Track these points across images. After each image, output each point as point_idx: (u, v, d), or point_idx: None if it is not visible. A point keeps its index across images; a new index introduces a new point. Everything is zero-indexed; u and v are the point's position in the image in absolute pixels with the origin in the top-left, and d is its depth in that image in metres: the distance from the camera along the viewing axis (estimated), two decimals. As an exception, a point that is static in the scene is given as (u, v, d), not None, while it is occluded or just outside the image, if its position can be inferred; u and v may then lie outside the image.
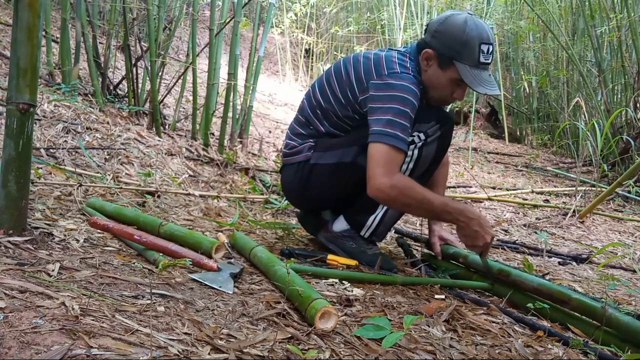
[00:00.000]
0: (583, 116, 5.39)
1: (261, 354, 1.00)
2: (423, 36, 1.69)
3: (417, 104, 1.59)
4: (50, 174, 2.09)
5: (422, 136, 1.66)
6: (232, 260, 1.56)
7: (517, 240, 2.64)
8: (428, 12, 7.07)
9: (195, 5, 3.34)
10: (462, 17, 1.59)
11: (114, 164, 2.45)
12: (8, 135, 1.36)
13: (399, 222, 2.65)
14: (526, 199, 3.76)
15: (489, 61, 1.58)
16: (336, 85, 1.71)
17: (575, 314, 1.47)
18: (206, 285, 1.34)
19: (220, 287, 1.33)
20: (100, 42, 3.75)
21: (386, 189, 1.53)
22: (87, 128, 2.71)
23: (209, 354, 0.97)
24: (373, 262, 1.75)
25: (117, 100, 3.38)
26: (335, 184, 1.73)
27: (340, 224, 1.82)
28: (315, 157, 1.74)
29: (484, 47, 1.56)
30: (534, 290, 1.53)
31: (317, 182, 1.75)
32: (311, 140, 1.78)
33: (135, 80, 3.29)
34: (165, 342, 0.97)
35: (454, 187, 3.98)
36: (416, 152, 1.67)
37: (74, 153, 2.40)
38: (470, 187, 4.03)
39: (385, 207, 1.75)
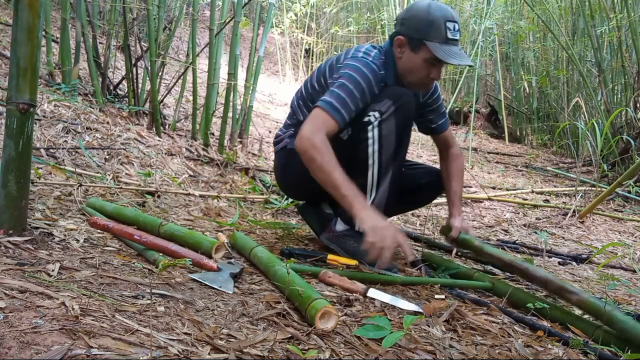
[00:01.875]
0: (583, 116, 5.40)
1: (261, 354, 1.00)
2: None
3: (366, 85, 1.64)
4: (50, 174, 2.09)
5: (376, 114, 1.67)
6: (232, 260, 1.56)
7: (517, 240, 2.64)
8: (428, 12, 7.06)
9: (195, 5, 3.34)
10: (424, 2, 1.68)
11: (114, 164, 2.45)
12: (8, 135, 1.36)
13: (399, 222, 2.66)
14: (526, 199, 3.76)
15: (457, 37, 1.66)
16: (315, 75, 1.83)
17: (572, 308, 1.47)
18: (206, 285, 1.34)
19: (220, 287, 1.33)
20: (100, 42, 3.75)
21: (303, 140, 1.56)
22: (87, 128, 2.71)
23: (209, 354, 0.97)
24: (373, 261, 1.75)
25: (117, 100, 3.38)
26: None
27: (341, 224, 1.83)
28: (291, 143, 1.81)
29: (450, 25, 1.64)
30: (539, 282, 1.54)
31: (293, 167, 1.80)
32: (292, 129, 1.88)
33: (135, 80, 3.29)
34: (165, 342, 0.97)
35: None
36: (376, 131, 1.68)
37: (74, 153, 2.40)
38: (470, 187, 4.03)
39: (372, 197, 1.74)
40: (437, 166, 2.06)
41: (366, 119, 1.68)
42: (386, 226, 1.50)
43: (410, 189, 1.95)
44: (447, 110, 6.65)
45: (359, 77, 1.64)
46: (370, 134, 1.69)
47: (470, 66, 1.73)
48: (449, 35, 1.64)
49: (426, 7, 1.66)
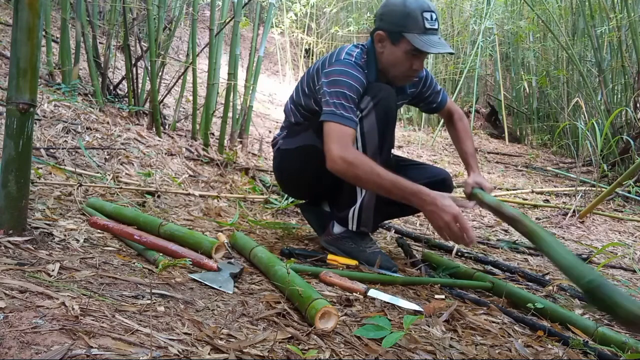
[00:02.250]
0: (583, 116, 5.40)
1: (261, 354, 1.00)
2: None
3: (357, 84, 1.68)
4: (50, 174, 2.09)
5: (357, 113, 1.71)
6: (232, 260, 1.56)
7: (517, 240, 2.64)
8: (428, 12, 7.06)
9: (195, 5, 3.33)
10: None
11: (114, 164, 2.45)
12: (8, 135, 1.36)
13: (399, 222, 2.66)
14: (526, 199, 3.76)
15: (435, 27, 1.68)
16: (305, 80, 1.86)
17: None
18: (206, 285, 1.34)
19: (220, 287, 1.33)
20: (100, 42, 3.75)
21: (339, 161, 1.58)
22: (87, 128, 2.71)
23: (209, 354, 0.97)
24: (372, 260, 1.76)
25: (117, 100, 3.38)
26: (301, 167, 1.86)
27: (338, 227, 1.85)
28: (283, 144, 1.92)
29: (427, 15, 1.66)
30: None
31: (287, 166, 1.91)
32: (285, 131, 1.96)
33: (135, 80, 3.29)
34: (165, 342, 0.97)
35: (454, 187, 3.98)
36: (357, 128, 1.71)
37: (74, 153, 2.40)
38: (470, 187, 4.02)
39: (362, 196, 1.76)
40: (438, 165, 2.07)
41: None
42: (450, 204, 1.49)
43: None
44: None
45: (350, 80, 1.67)
46: (362, 133, 1.72)
47: (451, 54, 1.75)
48: (427, 25, 1.65)
49: (402, 1, 1.68)
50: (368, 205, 1.76)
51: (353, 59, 1.72)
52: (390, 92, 1.73)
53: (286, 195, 2.57)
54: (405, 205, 1.67)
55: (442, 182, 1.93)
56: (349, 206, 1.79)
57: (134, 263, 1.40)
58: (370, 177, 1.55)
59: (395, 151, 5.83)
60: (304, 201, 2.14)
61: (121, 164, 2.50)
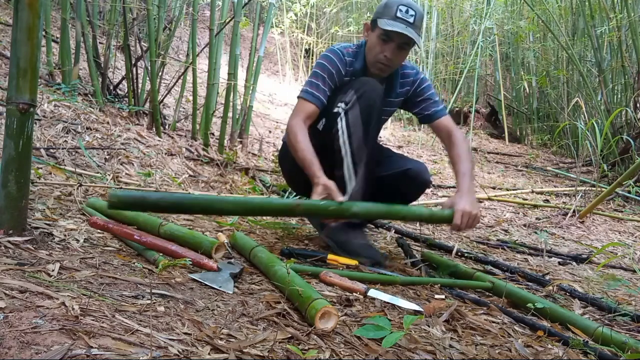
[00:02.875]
0: (583, 116, 5.40)
1: (261, 354, 1.00)
2: None
3: (331, 65, 1.84)
4: (50, 174, 2.09)
5: (343, 105, 1.81)
6: (232, 260, 1.56)
7: (517, 240, 2.64)
8: (428, 12, 7.07)
9: (195, 5, 3.34)
10: None
11: (114, 164, 2.45)
12: (8, 135, 1.36)
13: (399, 222, 2.66)
14: (526, 199, 3.76)
15: (407, 19, 1.77)
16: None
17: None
18: (206, 285, 1.34)
19: (220, 287, 1.33)
20: (100, 42, 3.75)
21: (287, 128, 1.81)
22: (87, 128, 2.71)
23: (209, 354, 0.97)
24: (356, 252, 1.80)
25: (117, 100, 3.38)
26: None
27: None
28: (285, 137, 1.95)
29: (402, 7, 1.78)
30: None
31: (285, 158, 1.98)
32: None
33: (135, 80, 3.29)
34: (165, 342, 0.97)
35: (454, 187, 3.98)
36: (343, 121, 1.79)
37: (74, 153, 2.40)
38: (470, 187, 4.02)
39: (351, 187, 1.81)
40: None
41: (335, 110, 1.82)
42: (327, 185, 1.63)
43: (389, 176, 1.98)
44: (447, 110, 6.65)
45: (325, 62, 1.85)
46: (339, 125, 1.81)
47: (415, 43, 1.80)
48: (398, 14, 1.78)
49: None
50: (355, 197, 1.81)
51: (337, 47, 1.89)
52: (373, 86, 1.81)
53: (286, 196, 2.57)
54: (392, 201, 1.74)
55: (403, 173, 1.96)
56: None
57: (134, 263, 1.40)
58: (293, 146, 1.76)
59: (395, 151, 5.83)
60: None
61: (121, 164, 2.50)
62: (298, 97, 1.84)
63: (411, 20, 1.78)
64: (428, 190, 3.77)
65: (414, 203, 2.18)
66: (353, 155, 1.79)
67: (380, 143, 2.26)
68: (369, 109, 1.80)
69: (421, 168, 1.98)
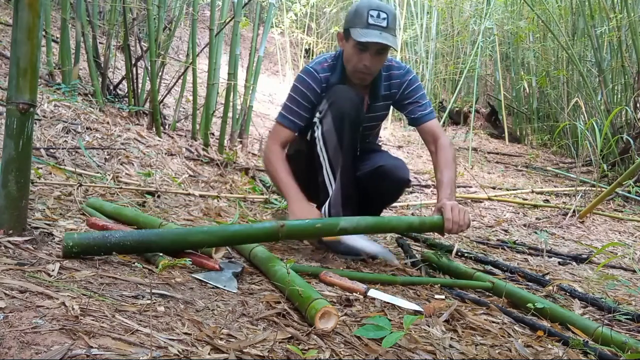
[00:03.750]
0: (583, 116, 5.40)
1: (261, 354, 1.00)
2: None
3: (305, 87, 1.88)
4: (50, 174, 2.09)
5: (318, 114, 1.86)
6: (233, 260, 1.56)
7: (517, 240, 2.64)
8: (428, 12, 7.07)
9: (195, 5, 3.33)
10: None
11: (114, 164, 2.45)
12: (8, 135, 1.36)
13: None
14: (526, 199, 3.76)
15: (380, 24, 1.74)
16: None
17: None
18: (207, 285, 1.34)
19: (224, 286, 1.34)
20: (100, 42, 3.75)
21: (264, 153, 1.93)
22: (87, 128, 2.71)
23: (209, 354, 0.97)
24: (332, 246, 1.83)
25: (117, 100, 3.38)
26: (294, 169, 1.95)
27: None
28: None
29: (373, 12, 1.75)
30: None
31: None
32: None
33: (135, 80, 3.29)
34: (165, 342, 0.97)
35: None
36: (319, 129, 1.85)
37: (74, 153, 2.40)
38: (470, 187, 4.03)
39: (332, 193, 1.86)
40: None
41: (314, 119, 1.87)
42: (308, 212, 1.74)
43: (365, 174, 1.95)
44: (447, 110, 6.65)
45: (298, 84, 1.89)
46: (316, 134, 1.86)
47: (387, 46, 1.76)
48: (370, 21, 1.74)
49: (357, 2, 1.81)
50: (336, 201, 1.85)
51: (312, 65, 1.91)
52: (344, 93, 1.82)
53: (330, 201, 2.56)
54: (370, 203, 1.86)
55: (375, 171, 1.92)
56: (323, 203, 1.89)
57: (134, 263, 1.39)
58: (269, 172, 1.89)
59: (395, 151, 5.82)
60: None
61: (121, 164, 2.50)
62: (275, 121, 1.92)
63: (384, 24, 1.74)
64: (428, 190, 3.77)
65: (423, 205, 2.18)
66: (330, 161, 1.84)
67: (380, 144, 2.24)
68: (341, 116, 1.80)
69: (396, 164, 1.93)
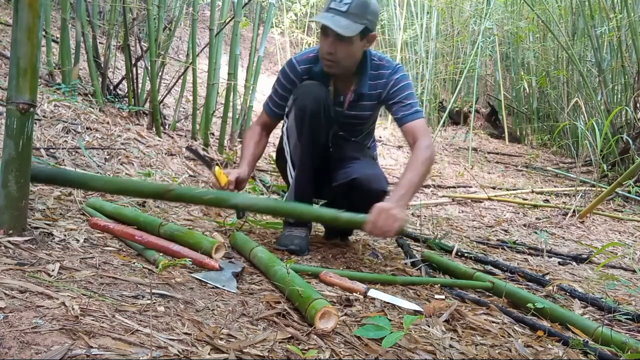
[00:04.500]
0: (583, 116, 5.40)
1: (261, 354, 1.00)
2: None
3: (283, 77, 1.94)
4: (50, 174, 2.09)
5: (286, 109, 1.92)
6: (233, 260, 1.57)
7: (517, 240, 2.64)
8: (428, 12, 7.07)
9: (195, 5, 3.33)
10: None
11: (114, 164, 2.45)
12: (8, 135, 1.36)
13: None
14: (526, 199, 3.76)
15: (339, 8, 1.73)
16: None
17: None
18: (207, 285, 1.34)
19: (223, 286, 1.34)
20: (100, 42, 3.75)
21: None
22: (87, 128, 2.71)
23: (209, 354, 0.97)
24: (282, 243, 1.84)
25: (117, 100, 3.38)
26: (281, 166, 2.04)
27: None
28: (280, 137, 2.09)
29: None
30: None
31: (281, 158, 2.05)
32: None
33: (135, 80, 3.29)
34: (165, 342, 0.97)
35: (454, 187, 3.98)
36: (285, 125, 1.92)
37: (74, 153, 2.40)
38: (470, 187, 4.03)
39: (292, 182, 1.91)
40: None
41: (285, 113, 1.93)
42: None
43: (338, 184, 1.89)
44: (447, 110, 6.63)
45: (280, 74, 1.96)
46: (283, 128, 1.94)
47: (340, 35, 1.71)
48: (331, 5, 1.74)
49: None
50: (290, 197, 1.92)
51: (294, 59, 1.94)
52: (308, 89, 1.83)
53: (286, 196, 2.57)
54: (350, 210, 1.75)
55: (349, 184, 1.84)
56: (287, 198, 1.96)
57: (134, 263, 1.39)
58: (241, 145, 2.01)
59: (395, 151, 5.79)
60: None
61: (121, 164, 2.50)
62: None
63: (344, 8, 1.72)
64: (428, 190, 3.77)
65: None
66: (291, 155, 1.89)
67: (374, 144, 2.18)
68: (301, 112, 1.81)
69: (371, 176, 1.84)
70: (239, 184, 1.87)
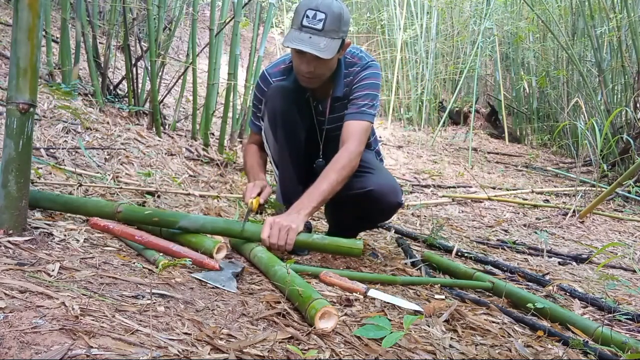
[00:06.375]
0: (583, 116, 5.40)
1: (261, 354, 1.00)
2: None
3: (259, 92, 1.91)
4: (50, 174, 2.09)
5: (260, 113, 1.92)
6: (233, 260, 1.57)
7: (517, 240, 2.64)
8: (428, 12, 7.08)
9: (195, 5, 3.34)
10: None
11: (114, 164, 2.45)
12: (8, 135, 1.36)
13: (399, 222, 2.66)
14: (526, 199, 3.76)
15: (314, 26, 1.60)
16: None
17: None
18: (207, 285, 1.34)
19: (223, 286, 1.34)
20: (100, 42, 3.75)
21: None
22: (87, 128, 2.71)
23: (209, 354, 0.97)
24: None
25: (117, 100, 3.38)
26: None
27: None
28: None
29: (310, 13, 1.61)
30: None
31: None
32: None
33: (135, 80, 3.29)
34: (165, 342, 0.97)
35: (454, 187, 3.98)
36: (265, 122, 1.85)
37: (74, 153, 2.40)
38: (470, 187, 4.03)
39: (278, 184, 1.93)
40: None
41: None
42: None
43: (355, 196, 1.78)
44: (447, 110, 6.63)
45: (255, 90, 1.94)
46: (262, 133, 1.90)
47: (317, 55, 1.59)
48: (304, 22, 1.61)
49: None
50: (278, 195, 1.93)
51: (267, 71, 1.90)
52: (275, 92, 1.80)
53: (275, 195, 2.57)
54: (359, 219, 1.86)
55: (365, 195, 1.75)
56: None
57: (134, 263, 1.39)
58: (244, 166, 2.01)
59: (395, 151, 5.80)
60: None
61: (121, 164, 2.50)
62: None
63: (319, 26, 1.59)
64: (428, 191, 3.77)
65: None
66: (272, 157, 1.88)
67: (376, 147, 2.14)
68: (274, 115, 1.79)
69: (385, 189, 1.75)
70: (265, 195, 1.79)
